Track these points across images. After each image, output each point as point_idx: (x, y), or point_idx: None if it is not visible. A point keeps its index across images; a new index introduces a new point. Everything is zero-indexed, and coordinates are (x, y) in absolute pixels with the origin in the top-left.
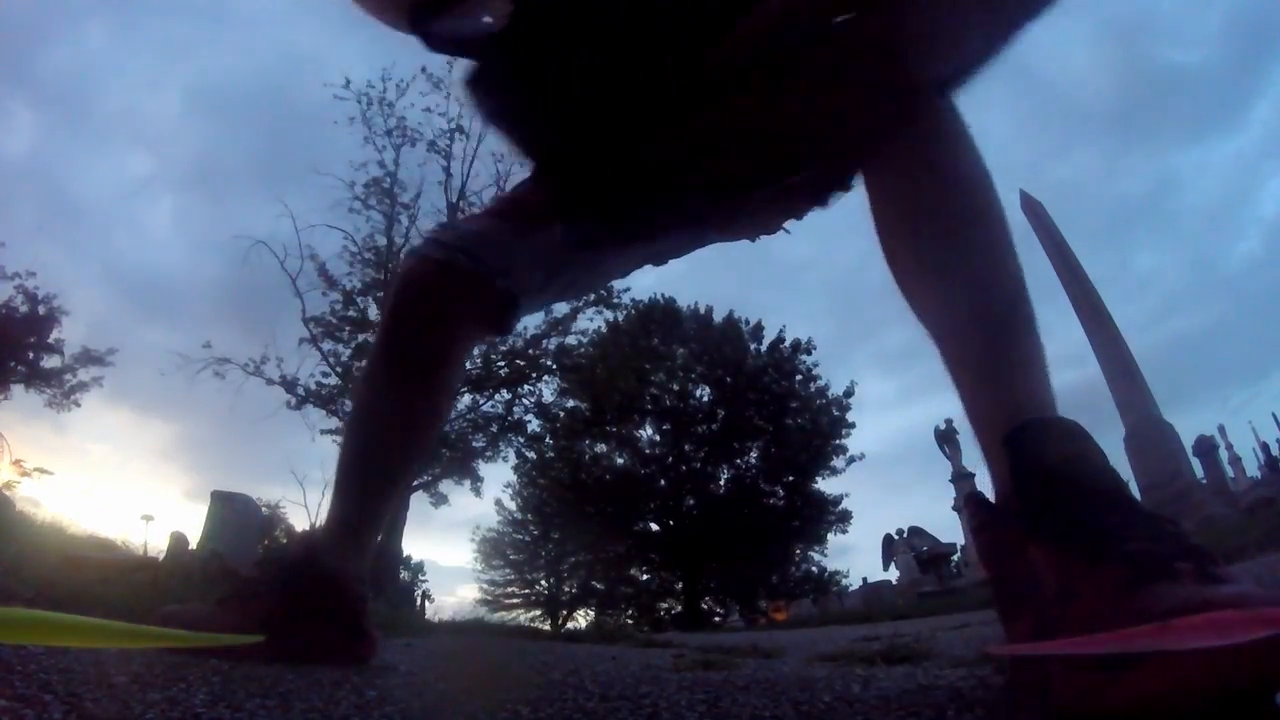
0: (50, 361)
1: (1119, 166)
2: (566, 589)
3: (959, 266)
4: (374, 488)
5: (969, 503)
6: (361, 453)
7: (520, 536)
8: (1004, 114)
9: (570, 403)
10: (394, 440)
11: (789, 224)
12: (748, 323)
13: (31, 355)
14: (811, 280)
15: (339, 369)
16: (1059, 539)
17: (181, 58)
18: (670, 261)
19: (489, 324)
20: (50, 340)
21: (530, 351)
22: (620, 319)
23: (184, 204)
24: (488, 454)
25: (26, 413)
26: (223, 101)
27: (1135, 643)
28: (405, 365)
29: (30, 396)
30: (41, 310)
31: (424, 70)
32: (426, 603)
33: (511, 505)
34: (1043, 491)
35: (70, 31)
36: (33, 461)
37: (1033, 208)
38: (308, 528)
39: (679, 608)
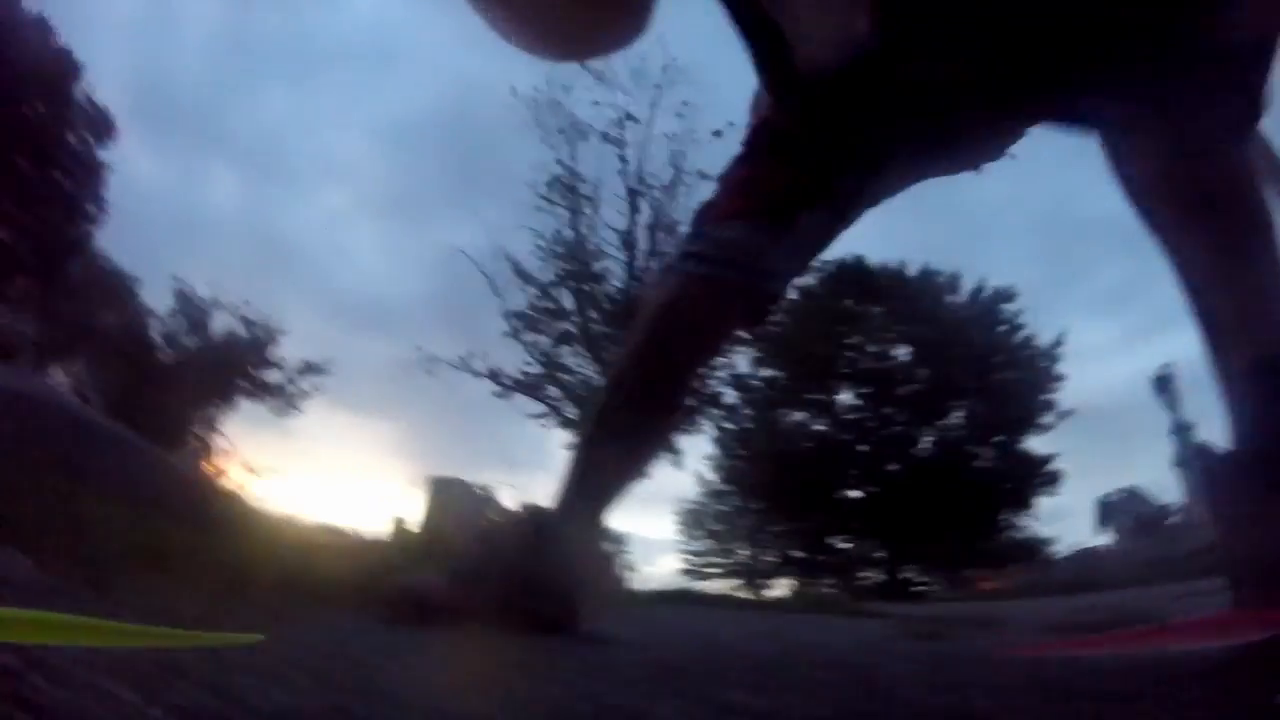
0: (272, 376)
1: None
2: (766, 558)
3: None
4: (613, 474)
5: (1195, 454)
6: (609, 440)
7: (721, 507)
8: None
9: (766, 372)
10: (644, 432)
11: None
12: (942, 275)
13: (254, 371)
14: (1007, 224)
15: (541, 358)
16: None
17: (359, 101)
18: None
19: (755, 324)
20: (270, 357)
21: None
22: (812, 283)
23: (384, 229)
24: (685, 427)
25: (254, 423)
26: (404, 133)
27: (1136, 643)
28: (668, 369)
29: (256, 407)
30: (259, 333)
31: (585, 66)
32: (630, 573)
33: (712, 477)
34: None
35: (252, 94)
36: (262, 464)
37: None
38: (528, 505)
39: (881, 577)
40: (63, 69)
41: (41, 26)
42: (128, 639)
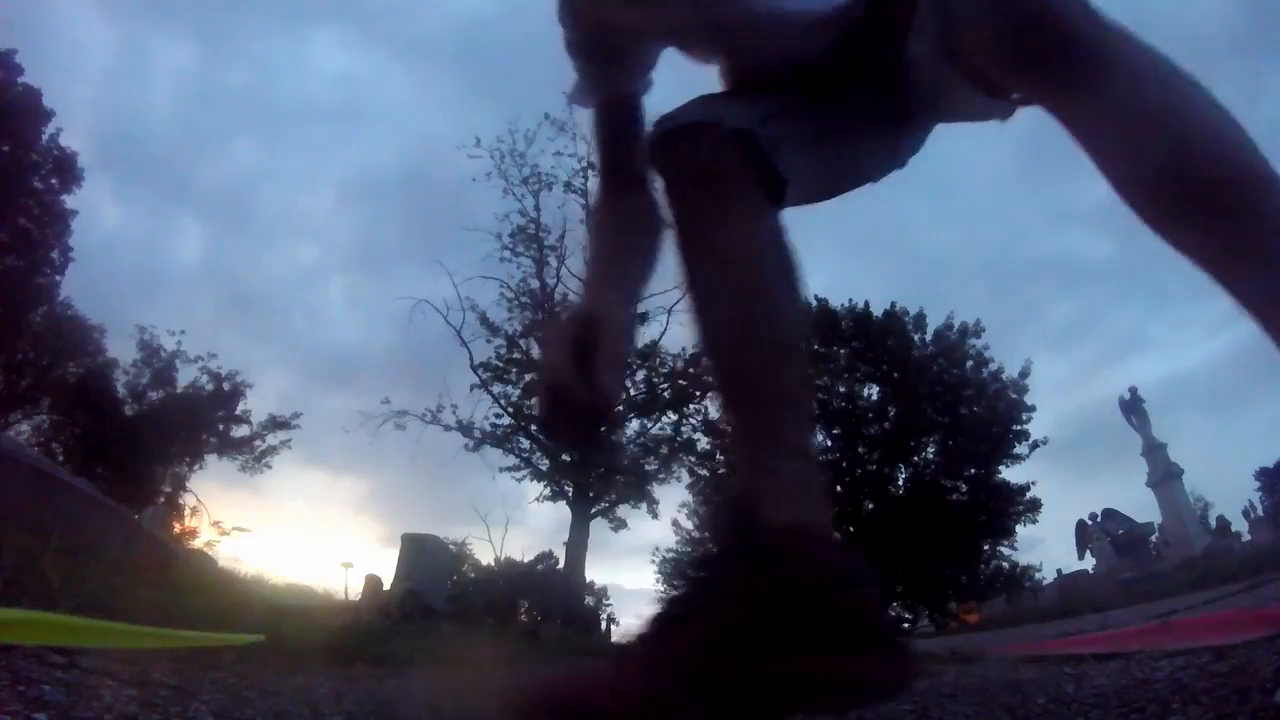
0: (239, 430)
1: (1258, 91)
2: None
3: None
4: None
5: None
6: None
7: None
8: None
9: None
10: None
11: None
12: (908, 313)
13: (221, 427)
14: (961, 266)
15: (510, 409)
16: None
17: (326, 157)
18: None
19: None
20: (237, 412)
21: (691, 370)
22: None
23: (351, 283)
24: (661, 476)
25: (223, 479)
26: (370, 188)
27: (1137, 641)
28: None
29: (224, 464)
30: (226, 386)
31: (547, 117)
32: (613, 626)
33: (689, 525)
34: None
35: (221, 147)
36: (231, 523)
37: None
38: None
39: None
40: (30, 108)
41: (8, 62)
42: (130, 640)
